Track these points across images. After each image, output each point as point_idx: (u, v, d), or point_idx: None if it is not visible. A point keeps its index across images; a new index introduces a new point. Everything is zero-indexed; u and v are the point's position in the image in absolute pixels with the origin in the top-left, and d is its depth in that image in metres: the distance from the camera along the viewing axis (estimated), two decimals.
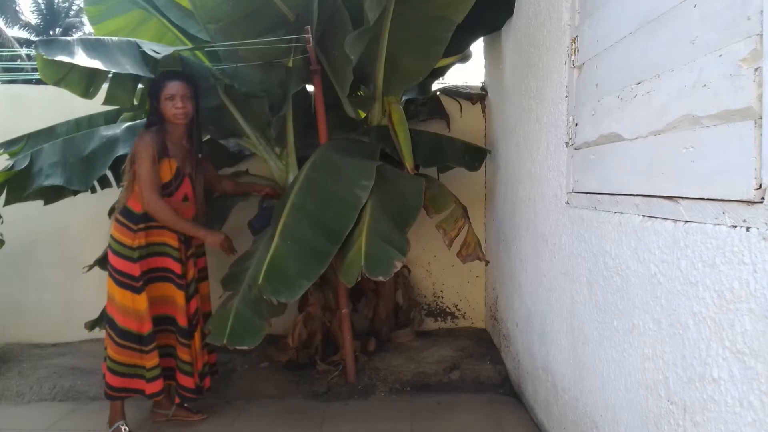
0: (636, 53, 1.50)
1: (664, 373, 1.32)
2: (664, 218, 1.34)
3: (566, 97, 2.02)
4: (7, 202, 2.86)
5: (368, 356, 3.25)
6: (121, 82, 2.51)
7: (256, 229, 2.89)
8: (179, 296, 2.46)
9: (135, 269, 2.37)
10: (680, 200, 1.27)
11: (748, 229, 1.03)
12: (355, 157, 2.84)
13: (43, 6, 21.33)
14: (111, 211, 2.95)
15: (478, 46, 3.79)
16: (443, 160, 3.18)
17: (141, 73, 2.28)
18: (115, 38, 2.42)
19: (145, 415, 2.64)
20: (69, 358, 3.46)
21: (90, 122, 3.22)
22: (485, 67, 3.84)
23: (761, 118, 1.01)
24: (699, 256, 1.17)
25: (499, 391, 2.91)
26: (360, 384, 2.97)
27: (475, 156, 3.27)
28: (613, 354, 1.62)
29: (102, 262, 2.86)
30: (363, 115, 3.38)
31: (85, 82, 2.45)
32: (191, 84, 2.48)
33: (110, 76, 2.45)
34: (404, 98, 3.69)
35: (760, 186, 1.01)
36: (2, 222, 3.33)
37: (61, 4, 21.73)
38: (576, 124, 1.96)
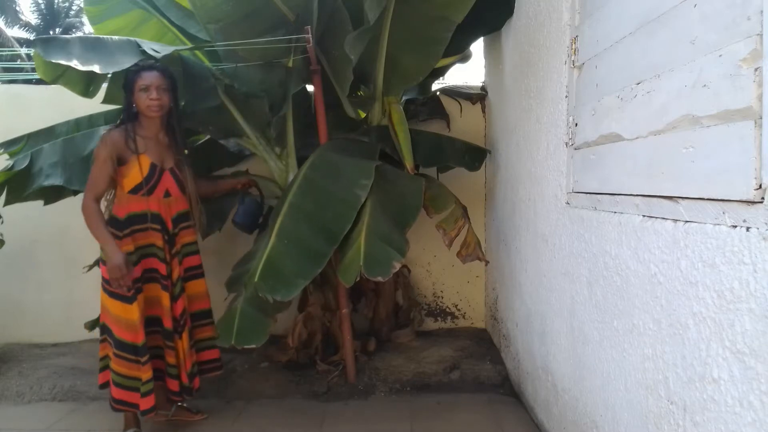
0: (636, 53, 1.50)
1: (664, 373, 1.32)
2: (664, 218, 1.34)
3: (566, 97, 2.02)
4: (7, 202, 2.86)
5: (368, 356, 3.25)
6: (121, 81, 2.51)
7: (241, 223, 2.79)
8: (164, 297, 2.38)
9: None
10: (680, 200, 1.27)
11: (748, 229, 1.03)
12: (354, 157, 2.84)
13: (43, 6, 21.33)
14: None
15: (478, 46, 3.80)
16: (443, 160, 3.18)
17: None
18: (115, 37, 2.42)
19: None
20: (69, 358, 3.47)
21: (90, 122, 3.22)
22: (485, 67, 3.84)
23: (761, 118, 1.01)
24: (699, 256, 1.17)
25: (499, 391, 2.91)
26: (360, 384, 2.97)
27: (475, 156, 3.27)
28: (613, 354, 1.62)
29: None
30: (363, 115, 3.38)
31: (85, 80, 2.45)
32: (168, 76, 2.37)
33: (110, 75, 2.45)
34: (404, 98, 3.69)
35: (760, 186, 1.01)
36: (2, 222, 3.33)
37: (61, 4, 21.73)
38: (576, 124, 1.96)
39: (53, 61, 2.18)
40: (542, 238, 2.31)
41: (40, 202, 3.00)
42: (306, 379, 3.03)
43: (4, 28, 17.26)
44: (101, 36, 2.41)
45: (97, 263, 2.75)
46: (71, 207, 3.35)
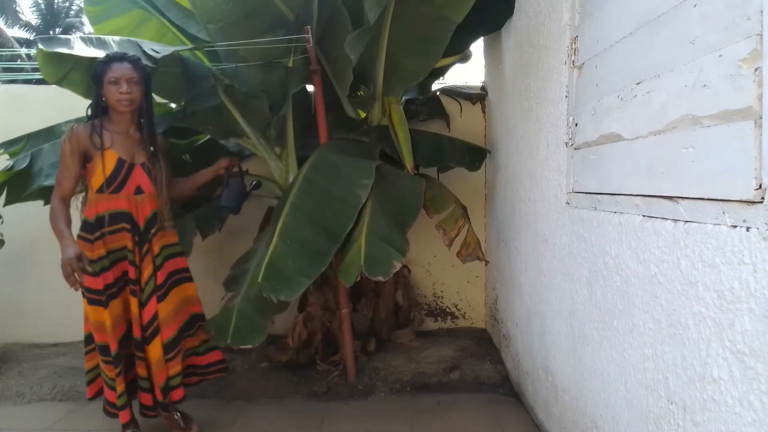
0: (636, 53, 1.50)
1: (664, 373, 1.32)
2: (664, 218, 1.34)
3: (566, 97, 2.02)
4: (7, 202, 2.86)
5: (368, 356, 3.26)
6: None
7: (229, 207, 2.59)
8: (133, 303, 2.24)
9: (98, 283, 2.19)
10: (680, 200, 1.27)
11: (748, 229, 1.03)
12: (354, 157, 2.84)
13: (43, 6, 21.32)
14: None
15: (478, 46, 3.79)
16: (443, 160, 3.18)
17: None
18: (116, 37, 2.42)
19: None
20: (69, 358, 3.47)
21: None
22: (485, 67, 3.84)
23: (761, 118, 1.01)
24: (699, 256, 1.17)
25: (499, 391, 2.92)
26: (360, 384, 2.97)
27: (475, 156, 3.27)
28: (613, 354, 1.62)
29: None
30: (363, 115, 3.38)
31: (87, 81, 2.45)
32: (139, 68, 2.21)
33: None
34: (404, 98, 3.69)
35: (760, 186, 1.01)
36: (2, 222, 3.33)
37: (61, 4, 21.72)
38: (576, 124, 1.96)
39: (56, 50, 2.18)
40: (542, 238, 2.31)
41: (40, 202, 2.99)
42: (306, 379, 3.03)
43: (4, 28, 17.27)
44: (102, 36, 2.41)
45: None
46: (71, 207, 3.36)
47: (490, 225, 3.67)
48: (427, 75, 3.09)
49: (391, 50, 2.94)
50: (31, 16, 21.39)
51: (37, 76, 2.45)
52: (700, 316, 1.17)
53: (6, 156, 3.03)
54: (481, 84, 3.93)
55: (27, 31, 20.88)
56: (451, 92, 3.84)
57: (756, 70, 1.02)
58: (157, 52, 2.36)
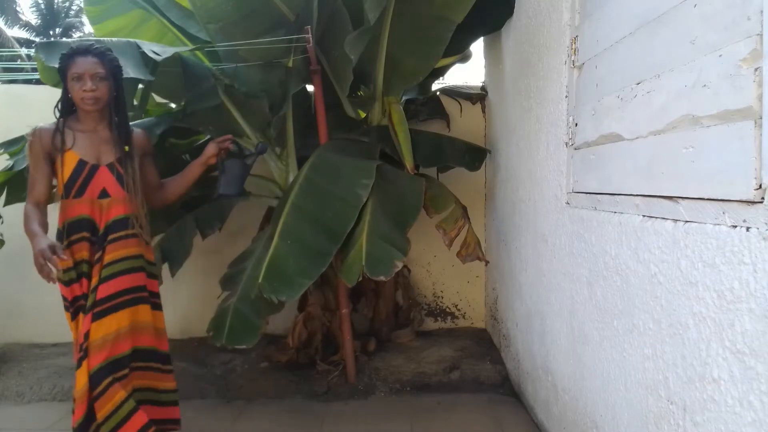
0: (636, 53, 1.50)
1: (664, 373, 1.32)
2: (664, 218, 1.34)
3: (566, 97, 2.02)
4: (7, 202, 2.86)
5: (368, 356, 3.26)
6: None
7: (227, 192, 2.33)
8: (81, 320, 2.00)
9: (67, 292, 2.02)
10: (680, 200, 1.27)
11: (748, 229, 1.03)
12: (354, 157, 2.84)
13: (43, 6, 21.33)
14: None
15: (478, 46, 3.79)
16: (443, 160, 3.18)
17: (141, 77, 2.27)
18: (114, 39, 2.42)
19: None
20: (69, 358, 3.46)
21: None
22: (485, 67, 3.84)
23: (761, 118, 1.01)
24: (699, 256, 1.17)
25: (499, 391, 2.92)
26: (360, 384, 2.97)
27: (475, 156, 3.27)
28: (613, 354, 1.62)
29: None
30: (363, 115, 3.38)
31: None
32: (107, 61, 1.99)
33: None
34: (404, 98, 3.69)
35: (760, 186, 1.01)
36: (2, 222, 3.33)
37: (61, 4, 21.72)
38: (576, 124, 1.96)
39: (54, 66, 2.17)
40: (542, 238, 2.31)
41: None
42: (306, 379, 3.03)
43: (4, 28, 17.27)
44: (101, 39, 2.40)
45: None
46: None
47: (490, 225, 3.67)
48: (427, 75, 3.10)
49: (391, 50, 2.94)
50: (31, 16, 21.42)
51: (38, 76, 2.44)
52: (700, 316, 1.17)
53: (6, 156, 3.03)
54: (481, 84, 3.93)
55: (27, 31, 20.90)
56: (451, 92, 3.85)
57: (756, 70, 1.02)
58: (157, 53, 2.36)
